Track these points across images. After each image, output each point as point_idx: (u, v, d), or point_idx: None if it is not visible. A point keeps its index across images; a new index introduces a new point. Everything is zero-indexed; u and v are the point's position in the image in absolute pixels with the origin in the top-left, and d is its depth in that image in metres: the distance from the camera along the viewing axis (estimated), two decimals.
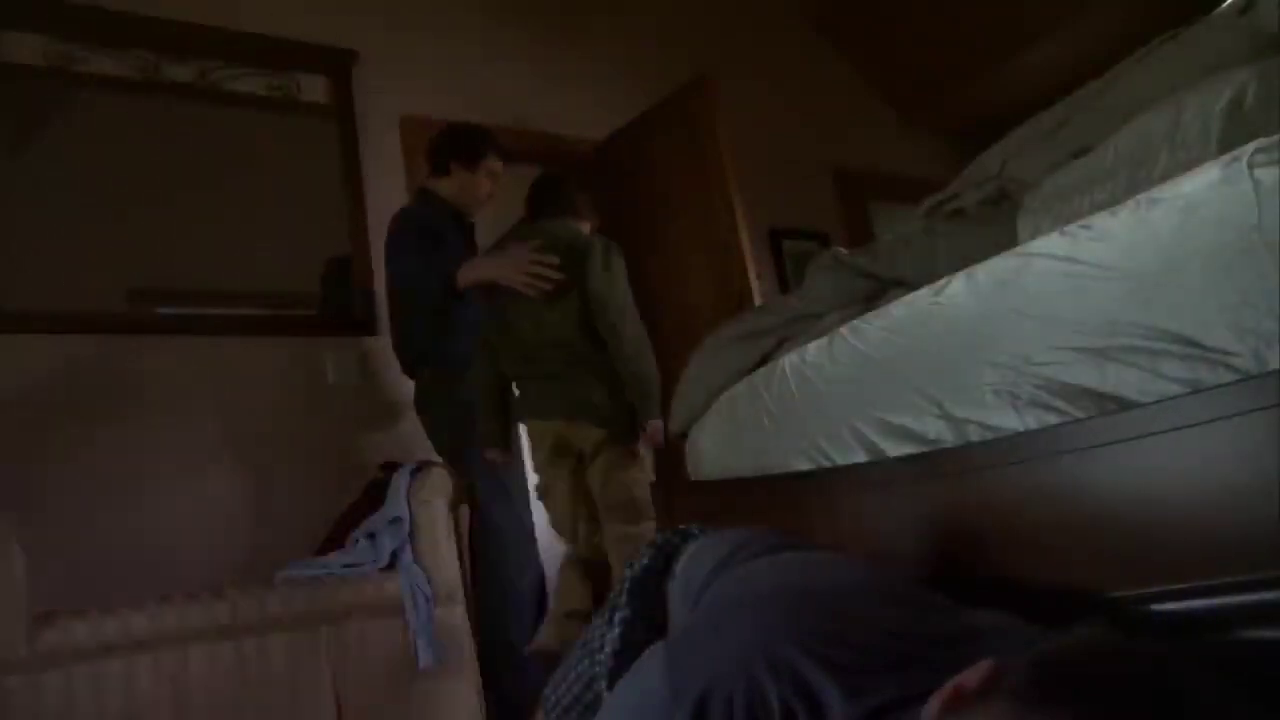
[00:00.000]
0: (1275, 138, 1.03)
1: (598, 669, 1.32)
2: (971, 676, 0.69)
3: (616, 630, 1.31)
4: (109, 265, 3.11)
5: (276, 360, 3.31)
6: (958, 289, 1.40)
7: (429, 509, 2.86)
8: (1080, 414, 1.22)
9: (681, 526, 1.46)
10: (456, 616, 2.82)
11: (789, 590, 1.03)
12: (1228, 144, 1.15)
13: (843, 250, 1.97)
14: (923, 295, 1.47)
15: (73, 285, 3.02)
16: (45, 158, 3.07)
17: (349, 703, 2.54)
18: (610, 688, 1.23)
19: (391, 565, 2.78)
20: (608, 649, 1.31)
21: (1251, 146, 1.04)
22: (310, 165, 3.56)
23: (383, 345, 3.51)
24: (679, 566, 1.35)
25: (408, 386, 3.37)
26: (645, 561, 1.41)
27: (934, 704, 0.70)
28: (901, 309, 1.51)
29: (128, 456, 2.96)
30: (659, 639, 0.94)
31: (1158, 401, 1.13)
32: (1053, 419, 1.26)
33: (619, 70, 4.47)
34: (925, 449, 1.44)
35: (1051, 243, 1.27)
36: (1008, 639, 0.82)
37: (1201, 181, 1.08)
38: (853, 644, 0.83)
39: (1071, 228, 1.25)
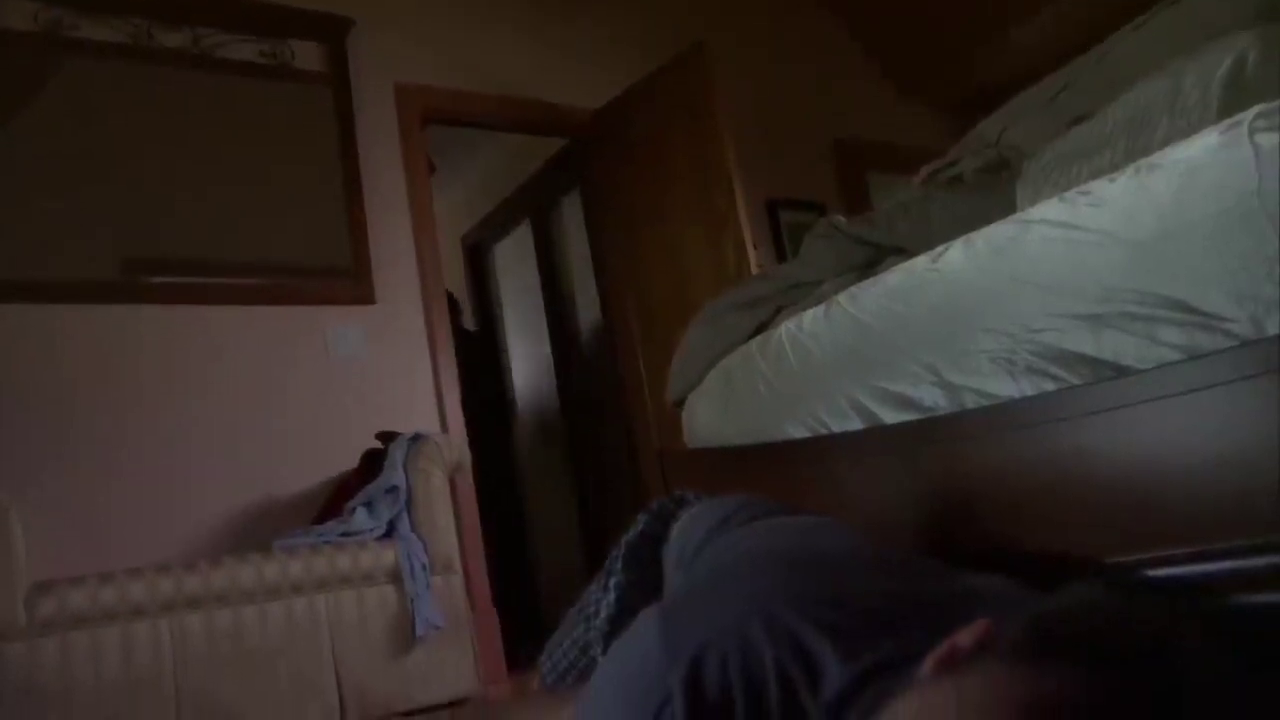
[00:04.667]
0: (1276, 103, 1.02)
1: (593, 634, 1.33)
2: (967, 636, 0.69)
3: (612, 595, 1.32)
4: (101, 234, 3.09)
5: (273, 330, 3.30)
6: (955, 256, 1.40)
7: (426, 478, 2.87)
8: (1077, 381, 1.22)
9: (677, 493, 1.46)
10: (454, 584, 2.83)
11: (784, 553, 1.03)
12: (1228, 110, 1.15)
13: (840, 218, 1.97)
14: (920, 263, 1.47)
15: (65, 254, 3.00)
16: (35, 124, 3.04)
17: (347, 670, 2.56)
18: (605, 653, 1.24)
19: (389, 534, 2.79)
20: (603, 614, 1.31)
21: (1252, 111, 1.04)
22: (305, 133, 3.54)
23: (380, 314, 3.51)
24: (674, 532, 1.35)
25: (407, 355, 3.37)
26: (640, 528, 1.41)
27: (929, 663, 0.70)
28: (899, 277, 1.50)
29: (125, 426, 2.96)
30: (654, 604, 0.94)
31: (1154, 368, 1.13)
32: (1049, 386, 1.26)
33: (617, 38, 4.43)
34: (921, 416, 1.44)
35: (1050, 209, 1.26)
36: (1004, 602, 0.82)
37: (1201, 147, 1.08)
38: (848, 606, 0.83)
39: (1070, 194, 1.25)
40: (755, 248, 3.65)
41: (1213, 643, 0.65)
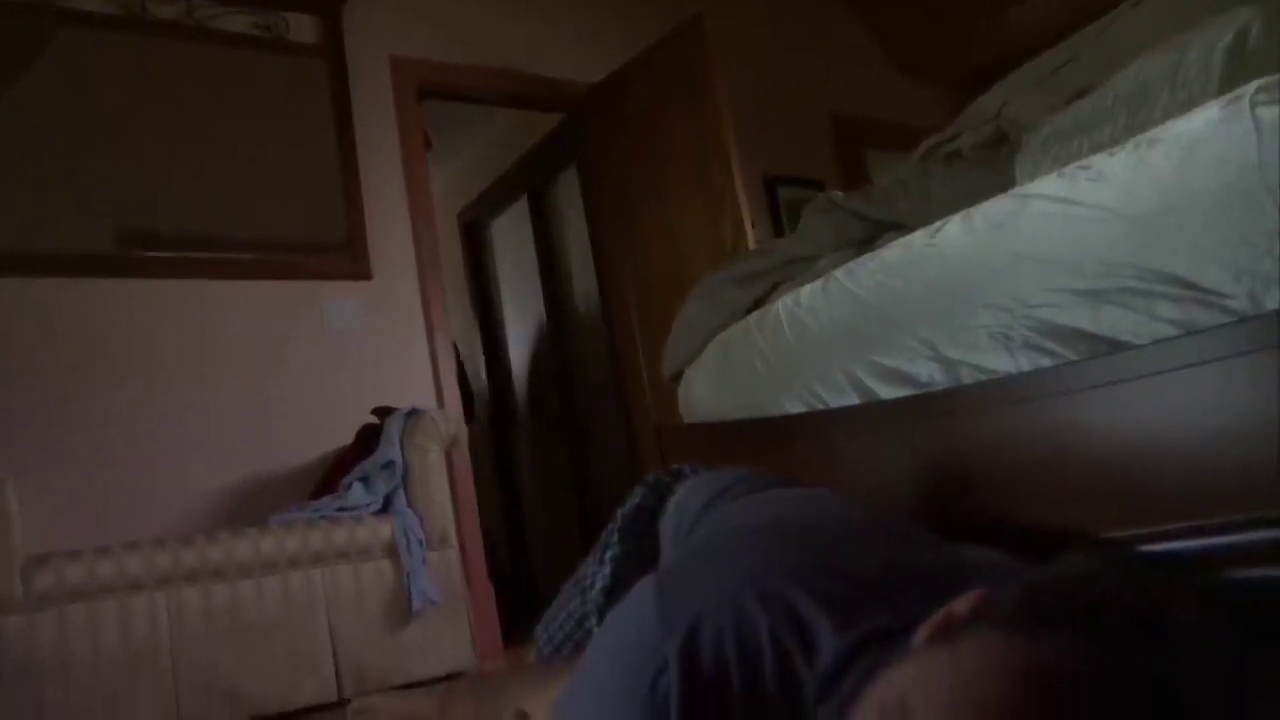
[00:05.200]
0: (1277, 76, 1.02)
1: (589, 606, 1.34)
2: (961, 604, 0.69)
3: (607, 569, 1.32)
4: (95, 208, 3.07)
5: (269, 305, 3.29)
6: (953, 231, 1.39)
7: (422, 454, 2.87)
8: (1074, 356, 1.22)
9: (674, 467, 1.46)
10: (450, 559, 2.84)
11: (780, 524, 1.04)
12: (1230, 83, 1.14)
13: (838, 193, 1.96)
14: (918, 238, 1.46)
15: (59, 228, 2.98)
16: (28, 97, 3.01)
17: (343, 644, 2.57)
18: (601, 624, 1.24)
19: (385, 509, 2.79)
20: (599, 586, 1.32)
21: (1254, 85, 1.03)
22: (300, 107, 3.51)
23: (377, 290, 3.50)
24: (670, 505, 1.35)
25: (403, 331, 3.36)
26: (637, 500, 1.41)
27: (923, 632, 0.70)
28: (896, 252, 1.50)
29: (121, 400, 2.96)
30: (650, 575, 0.94)
31: (1151, 344, 1.12)
32: (1046, 361, 1.26)
33: (615, 10, 4.40)
34: (918, 392, 1.44)
35: (1049, 184, 1.26)
36: (999, 573, 0.82)
37: (1202, 121, 1.07)
38: (843, 576, 0.83)
39: (1069, 169, 1.24)
40: (753, 225, 3.64)
41: (1209, 617, 0.65)
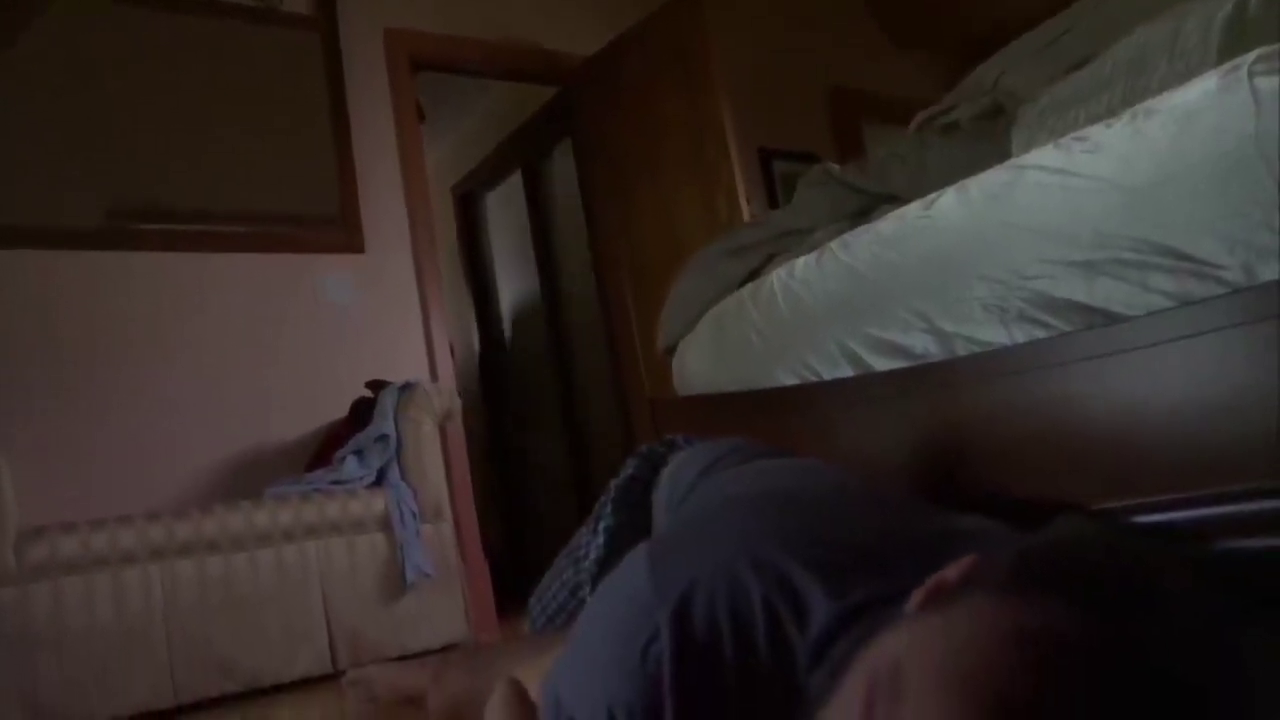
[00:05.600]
0: (1276, 46, 1.01)
1: (583, 576, 1.34)
2: (953, 571, 0.69)
3: (601, 539, 1.32)
4: (86, 181, 3.04)
5: (263, 278, 3.28)
6: (949, 203, 1.39)
7: (416, 427, 2.87)
8: (1068, 328, 1.22)
9: (667, 437, 1.46)
10: (444, 532, 2.85)
11: (774, 493, 1.04)
12: (1228, 53, 1.13)
13: (833, 165, 1.95)
14: (913, 210, 1.45)
15: (52, 200, 2.96)
16: (18, 69, 2.98)
17: (337, 616, 2.58)
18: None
19: (379, 482, 2.80)
20: (592, 556, 1.32)
21: (1253, 55, 1.02)
22: (293, 78, 3.48)
23: (370, 263, 3.49)
24: (664, 476, 1.36)
25: (397, 304, 3.35)
26: (630, 471, 1.41)
27: (916, 598, 0.70)
28: (891, 224, 1.49)
29: (115, 373, 2.95)
30: (643, 543, 0.94)
31: (1145, 315, 1.12)
32: (1040, 333, 1.26)
33: None
34: (912, 364, 1.44)
35: (1045, 155, 1.25)
36: (992, 542, 0.83)
37: (1199, 90, 1.06)
38: (837, 544, 0.83)
39: (1065, 140, 1.23)
40: (748, 199, 3.62)
41: (1203, 586, 0.65)
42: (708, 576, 0.80)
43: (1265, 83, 0.99)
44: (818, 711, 0.69)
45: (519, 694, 1.00)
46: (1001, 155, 1.45)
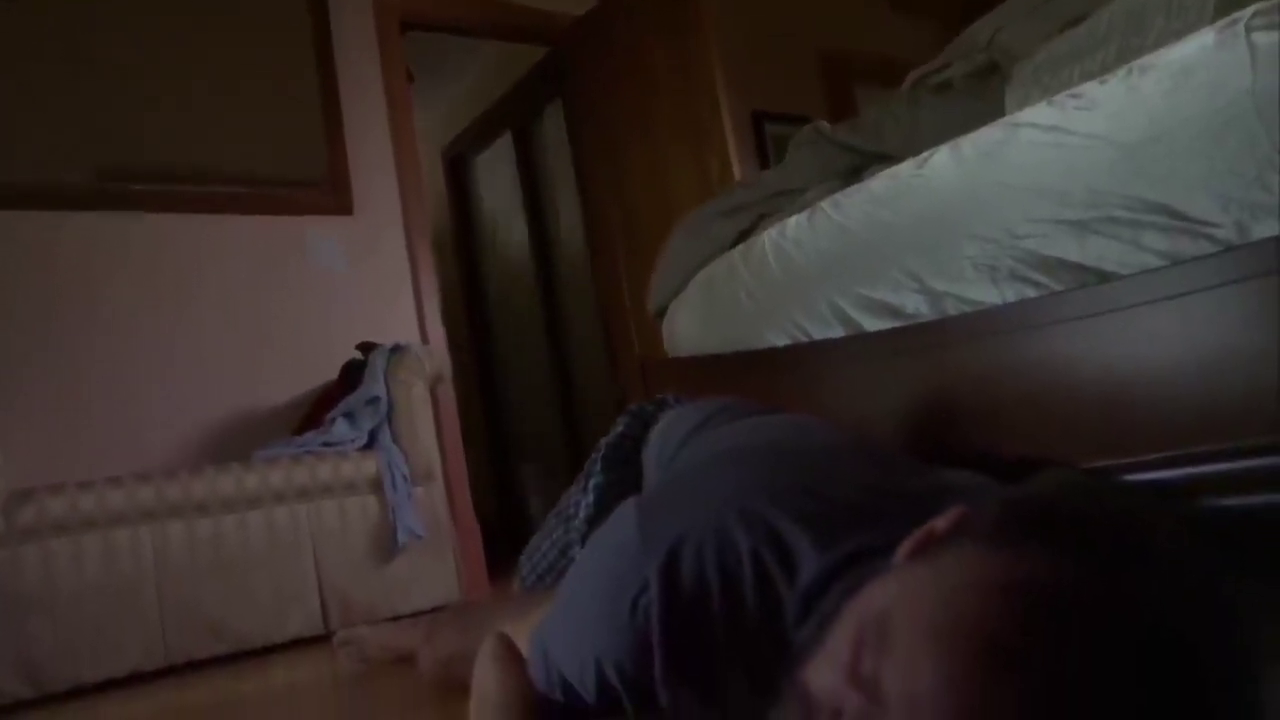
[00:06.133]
0: (1274, 1, 1.00)
1: (573, 535, 1.34)
2: (942, 522, 0.69)
3: (591, 497, 1.32)
4: (74, 142, 3.01)
5: (252, 240, 3.25)
6: (942, 161, 1.38)
7: (407, 389, 2.87)
8: (1059, 287, 1.21)
9: (658, 396, 1.46)
10: (435, 494, 2.85)
11: (764, 447, 1.03)
12: (1225, 10, 1.12)
13: (825, 124, 1.93)
14: (905, 168, 1.44)
15: (36, 162, 2.93)
16: (6, 29, 2.93)
17: (328, 578, 2.59)
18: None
19: (370, 445, 2.79)
20: (583, 515, 1.32)
21: (1250, 10, 1.01)
22: (280, 38, 3.43)
23: (360, 225, 3.46)
24: (654, 434, 1.35)
25: (386, 267, 3.33)
26: (620, 429, 1.41)
27: (904, 549, 0.70)
28: (884, 182, 1.48)
29: (104, 335, 2.93)
30: (633, 497, 0.94)
31: (1137, 274, 1.12)
32: (1031, 292, 1.25)
33: None
34: (903, 323, 1.43)
35: (1038, 112, 1.24)
36: (983, 496, 0.82)
37: (1196, 46, 1.05)
38: (826, 498, 0.83)
39: (1059, 97, 1.22)
40: (740, 161, 3.60)
41: (1194, 539, 0.65)
42: (696, 530, 0.80)
43: (1263, 38, 0.98)
44: (806, 663, 0.69)
45: (507, 648, 1.01)
46: (995, 113, 1.44)
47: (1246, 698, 0.59)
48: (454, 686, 1.30)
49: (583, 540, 1.29)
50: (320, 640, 2.49)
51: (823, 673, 0.66)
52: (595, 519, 1.28)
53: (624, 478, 1.33)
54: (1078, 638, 0.56)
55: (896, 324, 1.44)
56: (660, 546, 0.80)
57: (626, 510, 0.87)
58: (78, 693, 2.20)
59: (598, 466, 1.36)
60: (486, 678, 0.97)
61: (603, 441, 1.41)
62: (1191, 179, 1.05)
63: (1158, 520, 0.63)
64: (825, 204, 1.59)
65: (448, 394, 3.49)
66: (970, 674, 0.56)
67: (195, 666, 2.36)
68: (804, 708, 0.67)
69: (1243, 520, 0.99)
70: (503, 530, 4.59)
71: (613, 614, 0.80)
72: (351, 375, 3.00)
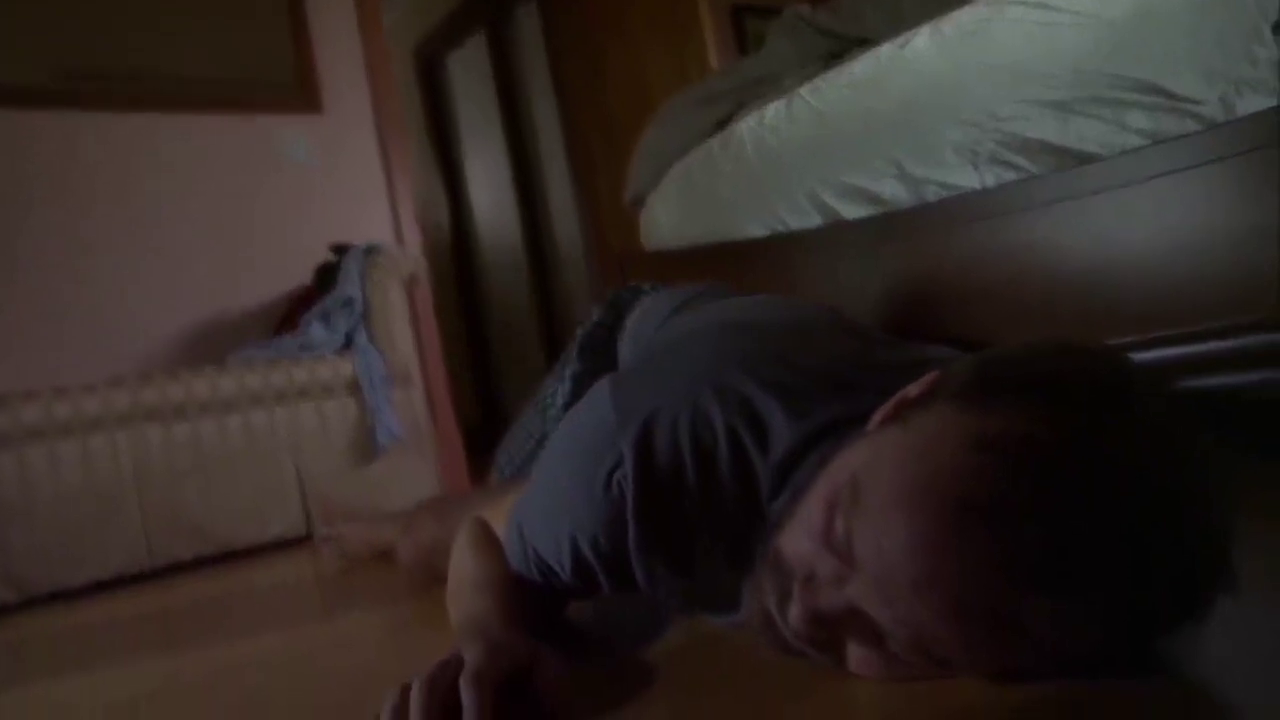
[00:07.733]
0: None
1: (549, 424, 1.33)
2: (915, 387, 0.68)
3: (567, 385, 1.32)
4: (39, 41, 2.90)
5: (221, 140, 3.17)
6: (923, 43, 1.34)
7: (383, 290, 2.83)
8: (1040, 171, 1.20)
9: (633, 284, 1.44)
10: (413, 396, 2.84)
11: (739, 323, 1.02)
12: None
13: (805, 8, 1.87)
14: (886, 49, 1.41)
15: (1, 60, 2.83)
16: None
17: (310, 480, 2.59)
18: None
19: (347, 346, 2.77)
20: (559, 403, 1.31)
21: None
22: None
23: (330, 124, 3.38)
24: (631, 320, 1.34)
25: (359, 166, 3.26)
26: (596, 318, 1.40)
27: (878, 416, 0.70)
28: (864, 64, 1.45)
29: (73, 239, 2.87)
30: (608, 375, 0.93)
31: (1119, 154, 1.10)
32: (1012, 176, 1.24)
33: None
34: (882, 211, 1.42)
35: None
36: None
37: None
38: (800, 369, 0.82)
39: None
40: (719, 59, 3.52)
41: (1156, 385, 0.64)
42: (671, 403, 0.79)
43: None
44: (781, 532, 0.69)
45: (484, 531, 1.01)
46: None
47: (1224, 554, 0.59)
48: (435, 577, 1.30)
49: None
50: (303, 542, 2.50)
51: (796, 538, 0.66)
52: (571, 407, 1.28)
53: (600, 366, 1.32)
54: (1055, 485, 0.56)
55: (876, 211, 1.43)
56: (635, 420, 0.79)
57: (601, 388, 0.86)
58: (62, 595, 2.21)
59: (574, 355, 1.35)
60: (463, 561, 0.97)
61: (579, 330, 1.40)
62: (1178, 55, 1.03)
63: (1135, 378, 0.62)
64: (804, 90, 1.56)
65: (425, 296, 3.46)
66: (942, 530, 0.56)
67: (179, 569, 2.37)
68: (778, 575, 0.68)
69: (1229, 397, 1.00)
70: (485, 436, 4.60)
71: (588, 488, 0.79)
72: (326, 277, 2.96)
